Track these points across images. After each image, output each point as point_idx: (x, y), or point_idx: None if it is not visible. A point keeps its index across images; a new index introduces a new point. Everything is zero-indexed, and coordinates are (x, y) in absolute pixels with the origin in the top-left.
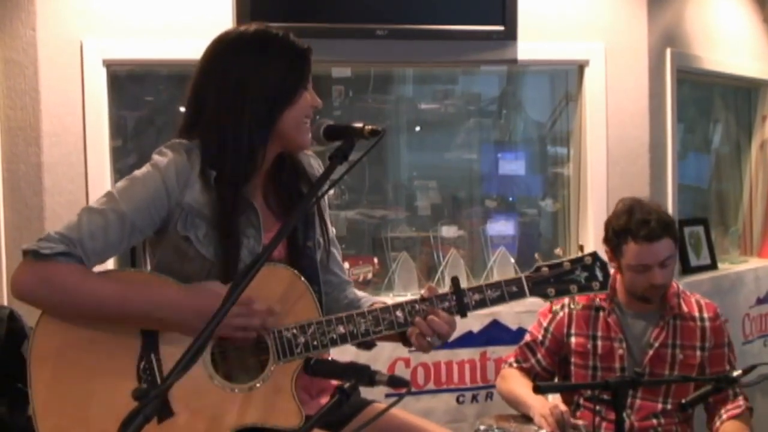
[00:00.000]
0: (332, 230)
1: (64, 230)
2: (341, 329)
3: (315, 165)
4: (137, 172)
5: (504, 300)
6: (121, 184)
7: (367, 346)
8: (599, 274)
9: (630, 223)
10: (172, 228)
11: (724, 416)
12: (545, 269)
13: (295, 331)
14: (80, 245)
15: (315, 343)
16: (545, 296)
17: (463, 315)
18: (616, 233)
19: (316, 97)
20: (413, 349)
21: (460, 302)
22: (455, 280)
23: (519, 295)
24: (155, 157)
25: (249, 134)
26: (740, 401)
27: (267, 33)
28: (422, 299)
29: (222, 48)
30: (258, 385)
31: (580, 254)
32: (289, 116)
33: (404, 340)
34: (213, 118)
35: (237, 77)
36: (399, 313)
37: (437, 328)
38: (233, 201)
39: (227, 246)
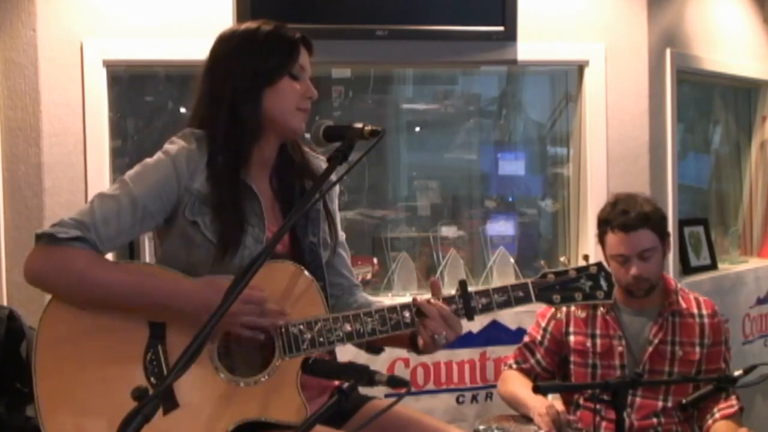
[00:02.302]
0: (342, 234)
1: (78, 215)
2: (348, 327)
3: (324, 167)
4: (148, 159)
5: (510, 305)
6: (132, 170)
7: (376, 350)
8: (604, 284)
9: (611, 214)
10: (181, 214)
11: (717, 415)
12: (551, 276)
13: (301, 326)
14: (94, 230)
15: (321, 339)
16: (550, 302)
17: (470, 318)
18: (600, 224)
19: (310, 87)
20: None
21: (467, 305)
22: (463, 284)
23: (525, 300)
24: (166, 145)
25: (234, 116)
26: (733, 401)
27: (258, 26)
28: (431, 295)
29: (217, 44)
30: (263, 379)
31: (585, 263)
32: (273, 99)
33: (414, 346)
34: (208, 107)
35: (225, 67)
36: (406, 313)
37: (444, 327)
38: (233, 187)
39: (227, 230)
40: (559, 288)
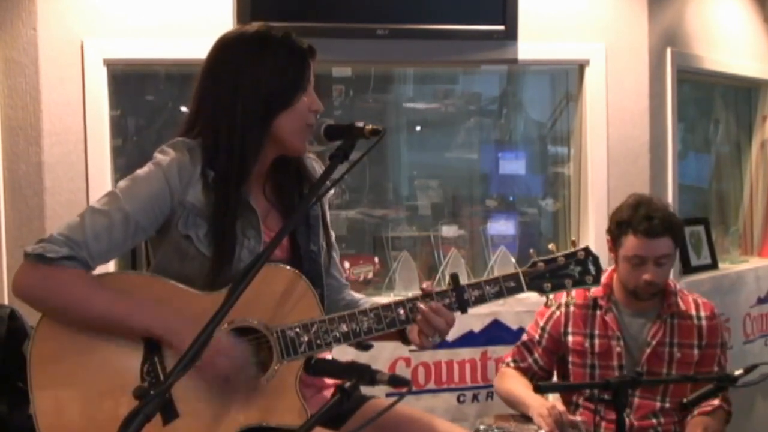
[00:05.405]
0: (332, 234)
1: (68, 232)
2: (344, 327)
3: (317, 168)
4: (140, 171)
5: (502, 295)
6: (123, 183)
7: (365, 347)
8: (592, 268)
9: (633, 217)
10: (174, 227)
11: (695, 412)
12: (541, 264)
13: (298, 329)
14: (85, 247)
15: (318, 341)
16: (542, 291)
17: (464, 311)
18: (619, 224)
19: (316, 100)
20: (414, 348)
21: (460, 298)
22: (454, 277)
23: (517, 290)
24: (158, 155)
25: (242, 135)
26: (714, 401)
27: (265, 33)
28: (423, 296)
29: (220, 47)
30: (263, 384)
31: (573, 249)
32: (286, 121)
33: (404, 338)
34: (209, 118)
35: (231, 76)
36: (401, 311)
37: (439, 324)
38: (229, 202)
39: (223, 247)
40: (550, 276)
